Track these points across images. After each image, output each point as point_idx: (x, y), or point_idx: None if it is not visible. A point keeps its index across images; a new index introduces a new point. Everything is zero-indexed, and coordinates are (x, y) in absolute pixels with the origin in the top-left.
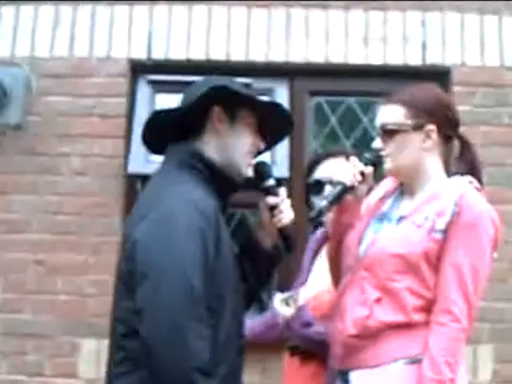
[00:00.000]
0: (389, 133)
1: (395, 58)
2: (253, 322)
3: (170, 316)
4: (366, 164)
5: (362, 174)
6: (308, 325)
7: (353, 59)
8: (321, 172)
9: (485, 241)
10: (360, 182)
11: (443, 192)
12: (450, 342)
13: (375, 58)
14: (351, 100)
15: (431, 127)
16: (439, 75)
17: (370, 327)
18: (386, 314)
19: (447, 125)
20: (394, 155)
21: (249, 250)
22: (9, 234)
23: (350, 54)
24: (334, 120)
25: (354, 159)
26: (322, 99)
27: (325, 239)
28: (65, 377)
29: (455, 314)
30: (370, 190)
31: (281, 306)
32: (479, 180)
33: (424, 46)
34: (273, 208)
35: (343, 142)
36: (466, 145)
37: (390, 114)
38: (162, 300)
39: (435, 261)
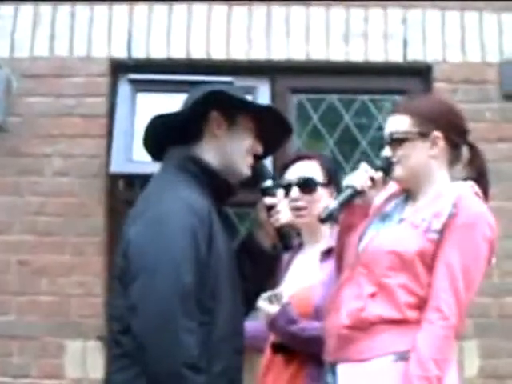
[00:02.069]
0: (396, 141)
1: (376, 55)
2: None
3: (160, 311)
4: (376, 170)
5: (372, 179)
6: (293, 322)
7: (334, 56)
8: (290, 174)
9: (480, 242)
10: (370, 187)
11: (442, 194)
12: (438, 339)
13: (356, 55)
14: (333, 97)
15: (437, 134)
16: (420, 72)
17: (363, 319)
18: (379, 309)
19: (453, 131)
20: (402, 163)
21: (248, 250)
22: None
23: (331, 51)
24: (315, 117)
25: (364, 165)
26: (303, 97)
27: (298, 248)
28: (51, 378)
29: (444, 312)
30: None
31: (264, 303)
32: (485, 187)
33: (405, 43)
34: (270, 208)
35: (326, 139)
36: (475, 152)
37: (396, 123)
38: (152, 296)
39: (430, 260)
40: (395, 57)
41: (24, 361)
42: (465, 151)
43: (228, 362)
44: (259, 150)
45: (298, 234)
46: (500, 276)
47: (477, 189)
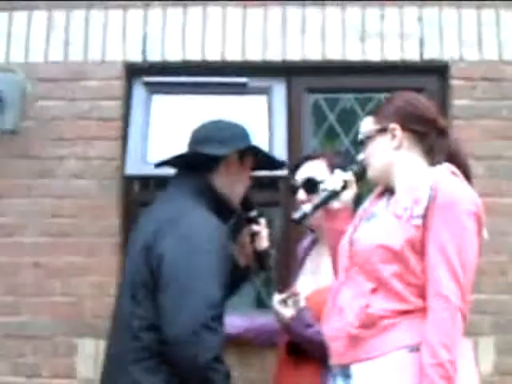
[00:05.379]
0: (363, 143)
1: (393, 54)
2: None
3: (194, 318)
4: (355, 174)
5: (344, 181)
6: (309, 326)
7: (350, 56)
8: (297, 175)
9: (465, 218)
10: (343, 188)
11: (419, 181)
12: (443, 323)
13: (373, 54)
14: (350, 97)
15: (393, 126)
16: (437, 70)
17: (371, 316)
18: (383, 303)
19: (413, 121)
20: (370, 162)
21: None
22: (5, 238)
23: (347, 50)
24: (332, 117)
25: (338, 171)
26: (319, 97)
27: (312, 245)
28: (63, 378)
29: (445, 295)
30: (358, 197)
31: (280, 306)
32: (465, 169)
33: (421, 42)
34: (254, 234)
35: (342, 139)
36: (441, 134)
37: (363, 126)
38: (185, 308)
39: (420, 247)
40: (412, 55)
41: (37, 361)
42: (440, 139)
43: None
44: (250, 182)
45: (312, 231)
46: None
47: (453, 168)
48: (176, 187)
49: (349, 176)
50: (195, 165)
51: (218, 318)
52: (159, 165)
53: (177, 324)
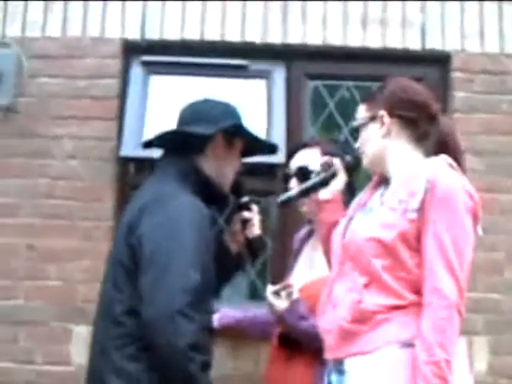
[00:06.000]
0: (357, 130)
1: (394, 42)
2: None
3: (169, 304)
4: (346, 163)
5: (334, 168)
6: (303, 318)
7: (351, 42)
8: (291, 164)
9: (462, 212)
10: (332, 176)
11: (415, 173)
12: (441, 321)
13: (374, 42)
14: (350, 84)
15: (381, 113)
16: (439, 61)
17: (363, 311)
18: (376, 298)
19: (400, 107)
20: (363, 150)
21: (218, 253)
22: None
23: (348, 36)
24: (331, 104)
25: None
26: (319, 83)
27: (308, 236)
28: (57, 363)
29: (442, 291)
30: (349, 186)
31: (273, 298)
32: (457, 159)
33: (423, 31)
34: (245, 221)
35: (341, 126)
36: (433, 123)
37: (358, 113)
38: (163, 290)
39: (414, 242)
40: (413, 44)
41: (30, 346)
42: (434, 125)
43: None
44: (240, 167)
45: (309, 222)
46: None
47: (450, 160)
48: (162, 169)
49: (334, 161)
50: (181, 146)
51: (196, 305)
52: (146, 145)
53: (153, 307)
